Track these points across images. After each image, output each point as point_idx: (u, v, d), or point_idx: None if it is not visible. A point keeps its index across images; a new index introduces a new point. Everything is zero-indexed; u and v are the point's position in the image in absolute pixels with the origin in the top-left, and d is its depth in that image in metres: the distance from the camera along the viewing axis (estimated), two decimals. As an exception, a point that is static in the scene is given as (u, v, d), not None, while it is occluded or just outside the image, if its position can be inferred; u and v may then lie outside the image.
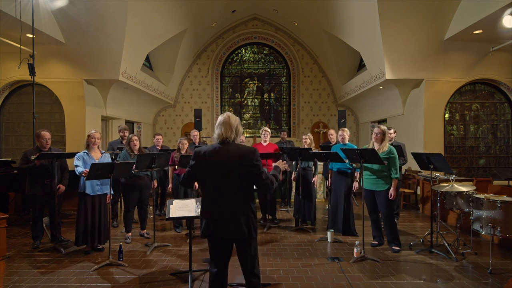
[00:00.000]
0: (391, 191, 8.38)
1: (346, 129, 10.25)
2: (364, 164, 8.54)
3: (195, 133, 12.42)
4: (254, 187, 5.27)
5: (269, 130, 10.81)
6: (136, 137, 9.41)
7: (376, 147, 8.67)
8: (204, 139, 12.41)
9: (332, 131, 12.06)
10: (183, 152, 10.12)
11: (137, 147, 9.37)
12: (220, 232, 5.16)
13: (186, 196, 9.85)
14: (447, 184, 8.68)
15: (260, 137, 21.08)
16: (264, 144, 10.75)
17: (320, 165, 14.29)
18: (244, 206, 5.16)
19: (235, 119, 5.34)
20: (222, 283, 5.35)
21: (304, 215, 10.64)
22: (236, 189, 5.15)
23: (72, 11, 11.74)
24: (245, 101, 21.71)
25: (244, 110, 21.59)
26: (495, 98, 14.48)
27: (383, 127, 8.70)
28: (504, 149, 14.59)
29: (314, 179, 10.54)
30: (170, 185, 10.23)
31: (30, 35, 11.09)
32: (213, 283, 5.35)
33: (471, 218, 7.93)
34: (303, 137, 10.78)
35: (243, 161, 5.11)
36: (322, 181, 14.64)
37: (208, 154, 5.21)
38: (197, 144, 12.27)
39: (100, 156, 8.61)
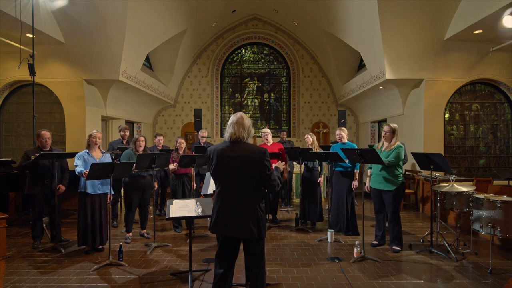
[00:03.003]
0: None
1: (343, 128, 10.24)
2: (373, 164, 8.56)
3: (203, 133, 12.48)
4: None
5: (268, 130, 10.76)
6: (143, 138, 9.46)
7: (385, 145, 8.64)
8: (204, 139, 12.39)
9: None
10: (181, 152, 10.13)
11: (142, 148, 9.40)
12: (229, 231, 5.19)
13: (184, 196, 9.87)
14: (447, 184, 8.68)
15: (260, 136, 21.12)
16: (269, 144, 10.72)
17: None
18: (254, 205, 5.19)
19: (248, 120, 5.39)
20: (225, 285, 5.35)
21: (308, 216, 10.63)
22: (247, 188, 5.18)
23: (72, 11, 11.74)
24: (245, 101, 21.71)
25: (244, 110, 21.59)
26: (495, 98, 14.48)
27: (393, 125, 8.65)
28: (504, 149, 14.59)
29: (320, 179, 10.52)
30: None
31: (30, 35, 11.09)
32: (217, 284, 5.34)
33: (471, 218, 7.93)
34: (306, 136, 10.75)
35: (254, 160, 5.15)
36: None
37: (219, 152, 5.25)
38: (202, 144, 12.29)
39: (101, 155, 8.62)
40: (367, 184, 9.00)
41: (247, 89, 21.77)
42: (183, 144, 10.22)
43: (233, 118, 5.38)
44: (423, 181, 13.00)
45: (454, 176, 9.96)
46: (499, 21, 10.84)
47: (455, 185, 8.48)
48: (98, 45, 12.68)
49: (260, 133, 10.85)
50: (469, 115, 14.58)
